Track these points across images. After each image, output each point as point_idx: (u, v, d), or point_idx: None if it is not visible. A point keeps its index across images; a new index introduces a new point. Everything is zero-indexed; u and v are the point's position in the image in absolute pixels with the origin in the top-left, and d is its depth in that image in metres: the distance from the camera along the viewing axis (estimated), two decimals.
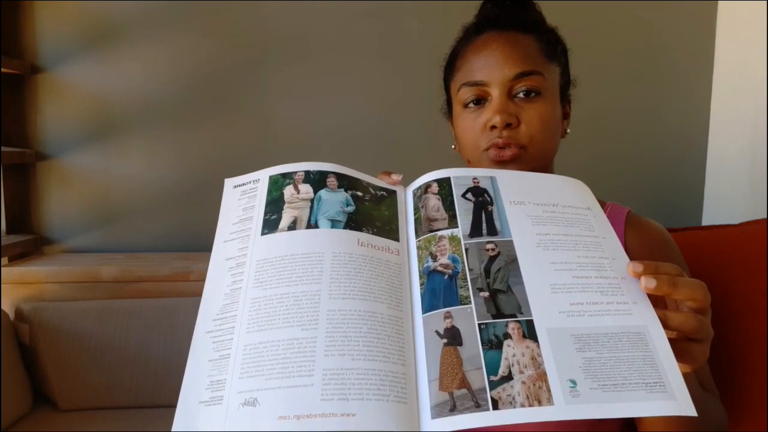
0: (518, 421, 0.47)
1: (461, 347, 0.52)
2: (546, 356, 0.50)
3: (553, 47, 0.82)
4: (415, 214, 0.64)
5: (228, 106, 1.81)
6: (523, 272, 0.57)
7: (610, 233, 0.61)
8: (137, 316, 1.55)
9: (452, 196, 0.63)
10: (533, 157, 0.78)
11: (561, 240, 0.60)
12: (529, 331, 0.52)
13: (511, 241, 0.59)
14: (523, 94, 0.77)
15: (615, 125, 1.90)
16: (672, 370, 0.49)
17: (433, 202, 0.64)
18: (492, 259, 0.58)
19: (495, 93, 0.77)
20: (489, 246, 0.59)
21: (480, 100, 0.79)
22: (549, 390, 0.49)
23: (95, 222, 1.81)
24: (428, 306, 0.56)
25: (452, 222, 0.61)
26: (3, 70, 1.65)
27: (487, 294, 0.55)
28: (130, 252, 1.80)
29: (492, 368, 0.50)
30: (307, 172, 0.63)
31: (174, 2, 1.76)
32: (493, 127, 0.77)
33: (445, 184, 0.65)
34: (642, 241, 0.83)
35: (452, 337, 0.53)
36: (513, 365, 0.50)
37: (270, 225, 0.60)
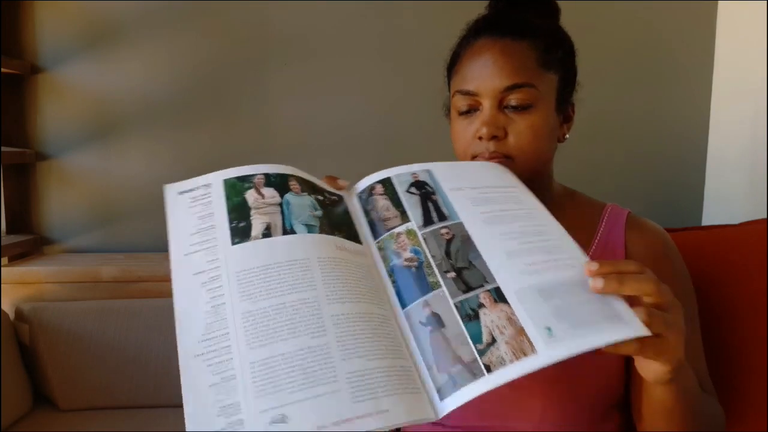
0: (512, 376, 0.51)
1: (445, 329, 0.56)
2: (519, 313, 0.55)
3: (553, 53, 0.80)
4: (366, 217, 0.66)
5: (228, 106, 1.81)
6: (479, 247, 0.61)
7: (537, 205, 0.68)
8: (137, 316, 1.55)
9: (397, 194, 0.66)
10: (520, 167, 0.78)
11: (502, 214, 0.65)
12: (499, 296, 0.57)
13: (461, 223, 0.63)
14: (514, 106, 0.77)
15: (615, 125, 1.89)
16: (619, 303, 0.56)
17: (381, 202, 0.66)
18: (449, 242, 0.62)
19: (485, 104, 0.77)
20: (443, 230, 0.63)
21: (472, 109, 0.79)
22: (530, 341, 0.53)
23: (95, 222, 1.81)
24: (406, 300, 0.59)
25: (404, 217, 0.64)
26: (3, 70, 1.65)
27: (453, 274, 0.59)
28: (130, 252, 1.80)
29: (476, 338, 0.55)
30: (267, 176, 0.61)
31: (174, 2, 1.76)
32: (482, 138, 0.77)
33: (387, 184, 0.67)
34: (644, 242, 0.83)
35: (435, 323, 0.57)
36: (494, 330, 0.55)
37: (240, 233, 0.57)
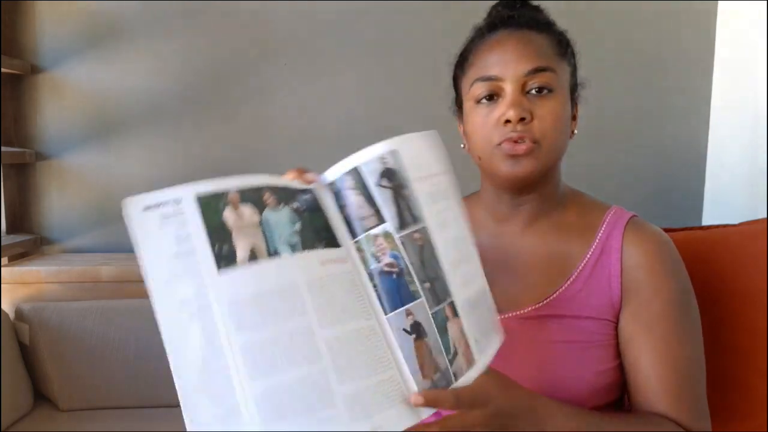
0: (467, 383, 0.59)
1: (427, 338, 0.58)
2: (465, 328, 0.60)
3: (564, 48, 0.83)
4: (340, 213, 0.62)
5: (228, 105, 1.81)
6: (439, 256, 0.61)
7: (458, 196, 0.67)
8: (137, 316, 1.55)
9: (368, 187, 0.61)
10: (546, 153, 0.78)
11: (446, 215, 0.64)
12: (454, 310, 0.60)
13: (426, 227, 0.62)
14: (536, 91, 0.78)
15: (615, 125, 1.89)
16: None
17: (354, 198, 0.61)
18: (421, 248, 0.61)
19: (509, 88, 0.78)
20: (416, 236, 0.61)
21: (493, 96, 0.79)
22: (471, 353, 0.60)
23: (95, 222, 1.81)
24: (388, 307, 0.59)
25: (379, 216, 0.60)
26: (3, 70, 1.65)
27: (428, 284, 0.60)
28: (130, 252, 1.79)
29: (447, 349, 0.59)
30: (241, 192, 0.57)
31: (174, 2, 1.76)
32: (507, 122, 0.77)
33: (357, 176, 0.62)
34: (640, 249, 0.80)
35: (418, 331, 0.58)
36: (455, 342, 0.59)
37: (225, 259, 0.53)
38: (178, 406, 0.51)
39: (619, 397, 0.82)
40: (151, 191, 0.54)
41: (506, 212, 0.86)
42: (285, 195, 0.59)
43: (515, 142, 0.77)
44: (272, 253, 0.55)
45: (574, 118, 0.86)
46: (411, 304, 0.58)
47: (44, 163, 1.78)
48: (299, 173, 0.63)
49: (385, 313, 0.58)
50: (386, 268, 0.59)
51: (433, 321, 0.58)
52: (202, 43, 1.79)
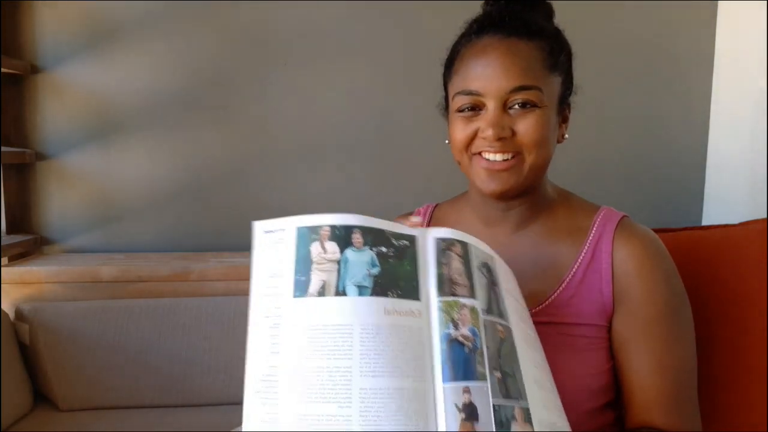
0: None
1: (477, 423, 0.55)
2: None
3: (557, 56, 0.80)
4: (437, 269, 0.63)
5: (228, 105, 1.81)
6: (521, 362, 0.61)
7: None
8: (137, 316, 1.55)
9: (471, 264, 0.63)
10: (527, 167, 0.78)
11: (530, 338, 0.65)
12: (527, 417, 0.57)
13: (511, 329, 0.62)
14: (519, 105, 0.77)
15: (615, 125, 1.90)
16: None
17: (457, 264, 0.63)
18: (501, 341, 0.60)
19: (490, 105, 0.77)
20: (500, 327, 0.61)
21: (475, 107, 0.78)
22: None
23: (95, 222, 1.81)
24: (448, 376, 0.57)
25: (472, 292, 0.62)
26: (3, 70, 1.65)
27: (499, 375, 0.58)
28: (130, 252, 1.80)
29: None
30: (332, 228, 0.61)
31: (174, 2, 1.76)
32: (486, 139, 0.77)
33: (465, 250, 0.64)
34: (630, 251, 0.80)
35: (470, 413, 0.56)
36: None
37: (300, 287, 0.59)
38: (177, 406, 0.53)
39: (615, 397, 0.82)
40: (275, 218, 0.62)
41: (495, 216, 0.86)
42: (375, 238, 0.61)
43: (494, 158, 0.77)
44: (340, 291, 0.58)
45: (565, 120, 0.84)
46: (472, 383, 0.57)
47: (44, 163, 1.78)
48: (404, 218, 0.67)
49: (444, 382, 0.57)
50: (461, 338, 0.58)
51: (492, 411, 0.56)
52: (201, 43, 1.79)
